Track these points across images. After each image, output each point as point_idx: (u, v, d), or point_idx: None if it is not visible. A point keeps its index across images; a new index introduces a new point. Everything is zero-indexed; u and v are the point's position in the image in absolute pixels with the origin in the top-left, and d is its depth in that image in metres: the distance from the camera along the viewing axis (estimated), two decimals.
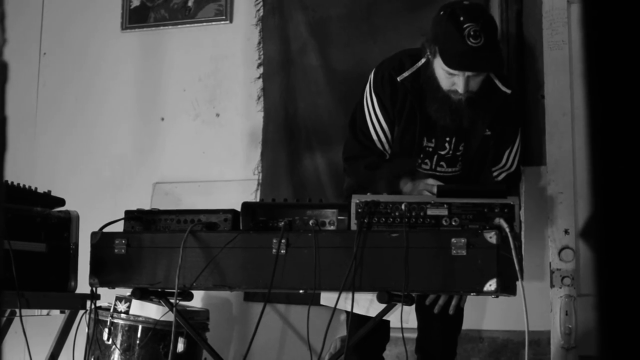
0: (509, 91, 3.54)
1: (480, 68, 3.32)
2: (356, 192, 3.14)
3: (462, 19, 3.25)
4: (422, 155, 3.59)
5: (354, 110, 3.72)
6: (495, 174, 3.68)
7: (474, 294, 2.97)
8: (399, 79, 3.50)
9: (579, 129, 4.46)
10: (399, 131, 3.55)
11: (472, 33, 3.21)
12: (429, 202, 3.01)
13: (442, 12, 3.35)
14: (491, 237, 2.86)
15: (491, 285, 2.84)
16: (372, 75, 3.60)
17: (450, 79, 3.34)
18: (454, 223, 2.98)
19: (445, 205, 2.99)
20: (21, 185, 3.83)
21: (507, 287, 2.96)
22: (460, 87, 3.32)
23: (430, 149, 3.58)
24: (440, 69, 3.35)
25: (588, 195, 0.95)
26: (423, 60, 3.47)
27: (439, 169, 3.61)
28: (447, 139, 3.56)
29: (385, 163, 3.57)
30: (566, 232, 4.37)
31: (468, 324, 4.33)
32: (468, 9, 3.33)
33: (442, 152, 3.58)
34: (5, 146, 1.33)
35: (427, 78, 3.43)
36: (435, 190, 3.20)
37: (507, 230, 2.90)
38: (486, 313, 4.65)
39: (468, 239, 2.87)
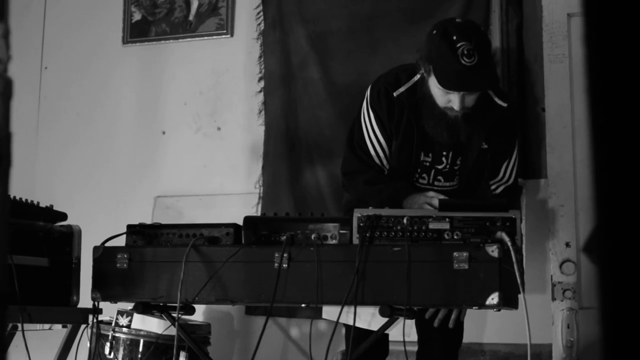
0: (505, 104, 3.53)
1: (475, 87, 3.31)
2: (356, 207, 3.14)
3: (455, 37, 3.24)
4: (419, 170, 3.59)
5: (352, 125, 3.72)
6: (493, 187, 3.67)
7: (476, 307, 2.97)
8: (395, 94, 3.49)
9: (579, 142, 4.46)
10: (397, 146, 3.54)
11: (465, 52, 3.21)
12: (431, 216, 3.01)
13: (434, 31, 3.34)
14: (493, 250, 2.86)
15: (493, 298, 2.84)
16: (368, 91, 3.60)
17: (445, 97, 3.34)
18: (455, 237, 2.98)
19: (447, 219, 3.00)
20: (23, 199, 3.84)
21: (509, 301, 2.96)
22: (456, 105, 3.32)
23: (428, 164, 3.57)
24: (435, 87, 3.35)
25: (590, 209, 0.95)
26: (418, 76, 3.47)
27: (436, 183, 3.61)
28: (444, 153, 3.56)
29: (384, 179, 3.57)
30: (567, 245, 4.37)
31: (470, 337, 4.33)
32: (461, 27, 3.32)
33: (440, 167, 3.58)
34: (11, 161, 1.34)
35: (423, 94, 3.42)
36: (436, 202, 3.20)
37: (509, 243, 2.90)
38: (487, 326, 4.64)
39: (470, 252, 2.87)
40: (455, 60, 3.22)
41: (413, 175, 3.58)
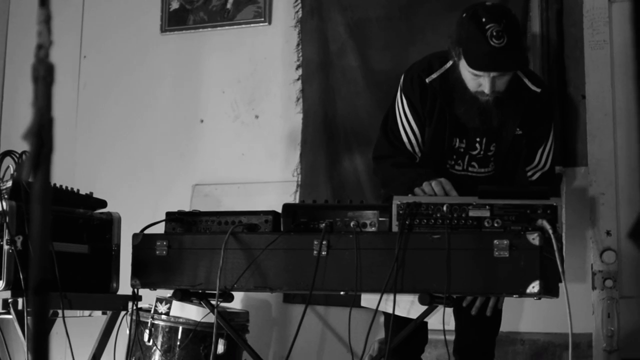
0: (538, 90, 3.52)
1: (505, 68, 3.30)
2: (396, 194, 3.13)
3: (484, 19, 3.24)
4: (454, 156, 3.58)
5: (387, 112, 3.72)
6: (529, 173, 3.65)
7: (517, 296, 2.94)
8: (427, 80, 3.50)
9: (620, 129, 4.42)
10: (430, 132, 3.54)
11: (494, 33, 3.20)
12: (471, 203, 2.99)
13: (464, 14, 3.35)
14: (534, 238, 2.83)
15: (534, 287, 2.81)
16: (402, 78, 3.62)
17: (476, 80, 3.33)
18: (496, 224, 2.95)
19: (487, 207, 2.97)
20: (63, 187, 3.86)
21: (550, 289, 2.93)
22: (486, 88, 3.31)
23: (462, 150, 3.57)
24: (466, 71, 3.35)
25: (634, 196, 0.93)
26: (451, 62, 3.47)
27: (470, 169, 3.60)
28: (478, 139, 3.55)
29: (412, 163, 3.56)
30: (608, 233, 4.33)
31: (509, 326, 4.30)
32: (490, 9, 3.31)
33: (474, 153, 3.57)
34: (53, 147, 1.34)
35: (455, 80, 3.42)
36: (438, 189, 3.20)
37: (550, 231, 2.87)
38: (526, 315, 4.62)
39: (510, 240, 2.84)
40: (484, 41, 3.21)
41: (447, 162, 3.57)
